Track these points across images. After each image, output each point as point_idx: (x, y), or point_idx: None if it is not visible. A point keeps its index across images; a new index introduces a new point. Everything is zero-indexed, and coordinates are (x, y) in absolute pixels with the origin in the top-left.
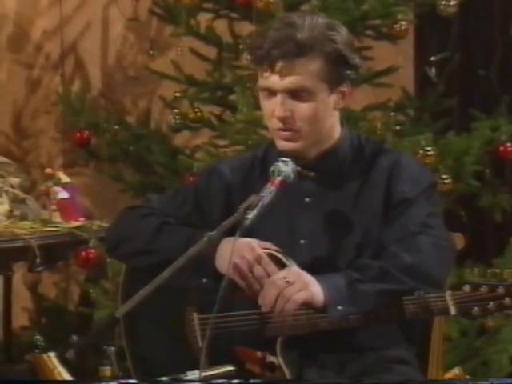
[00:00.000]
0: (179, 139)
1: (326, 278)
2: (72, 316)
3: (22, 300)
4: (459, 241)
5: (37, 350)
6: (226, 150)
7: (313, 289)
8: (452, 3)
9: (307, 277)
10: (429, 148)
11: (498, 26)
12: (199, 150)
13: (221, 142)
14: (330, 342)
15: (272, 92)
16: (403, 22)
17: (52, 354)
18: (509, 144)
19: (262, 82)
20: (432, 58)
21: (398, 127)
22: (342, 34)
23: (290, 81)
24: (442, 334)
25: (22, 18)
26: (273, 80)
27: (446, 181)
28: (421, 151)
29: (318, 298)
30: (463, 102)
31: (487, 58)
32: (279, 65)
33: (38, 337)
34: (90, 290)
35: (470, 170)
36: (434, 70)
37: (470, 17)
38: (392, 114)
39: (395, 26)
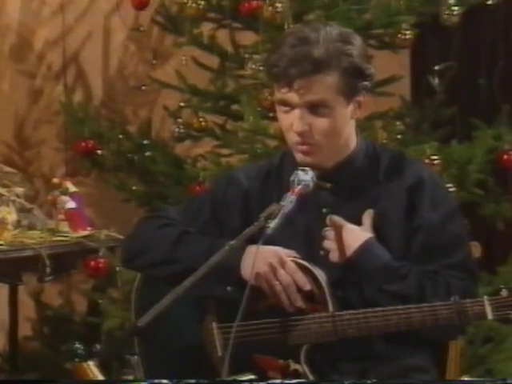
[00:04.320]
0: (180, 148)
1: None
2: (76, 325)
3: (26, 309)
4: (476, 250)
5: (76, 359)
6: (229, 159)
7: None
8: (455, 13)
9: None
10: (435, 157)
11: (499, 35)
12: (201, 159)
13: (223, 151)
14: (351, 350)
15: (290, 106)
16: (407, 32)
17: (91, 363)
18: None
19: (279, 96)
20: (436, 68)
21: (399, 136)
22: (356, 45)
23: (308, 97)
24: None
25: (24, 28)
26: (291, 95)
27: (450, 189)
28: (427, 160)
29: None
30: (464, 111)
31: (488, 67)
32: (297, 83)
33: (78, 345)
34: (99, 300)
35: (473, 179)
36: (437, 80)
37: (471, 26)
38: (397, 123)
39: (399, 35)
